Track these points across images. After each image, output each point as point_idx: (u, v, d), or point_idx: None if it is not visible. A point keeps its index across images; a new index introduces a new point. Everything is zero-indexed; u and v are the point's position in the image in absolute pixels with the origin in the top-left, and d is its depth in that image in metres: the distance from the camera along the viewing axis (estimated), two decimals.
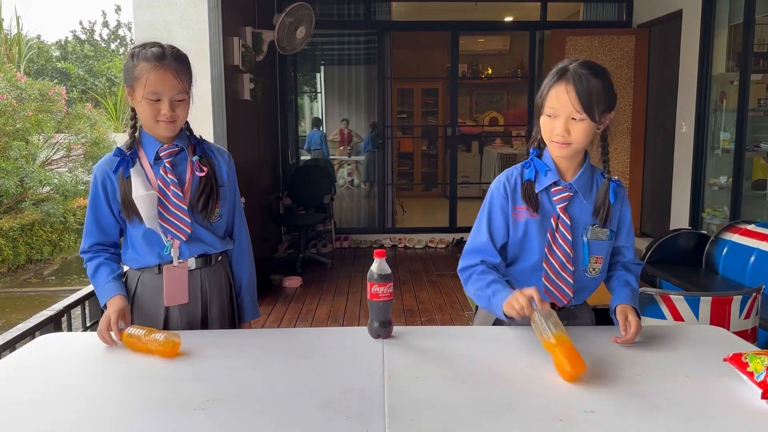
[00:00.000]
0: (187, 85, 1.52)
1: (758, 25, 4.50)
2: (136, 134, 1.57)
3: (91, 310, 2.14)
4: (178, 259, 1.58)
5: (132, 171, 1.53)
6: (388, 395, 1.16)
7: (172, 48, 1.53)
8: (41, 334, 1.72)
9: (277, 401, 1.15)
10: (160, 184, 1.54)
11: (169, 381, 1.24)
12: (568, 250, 1.45)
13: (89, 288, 2.13)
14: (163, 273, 1.57)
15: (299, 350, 1.42)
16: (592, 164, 1.52)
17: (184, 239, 1.56)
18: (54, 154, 8.14)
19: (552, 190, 1.47)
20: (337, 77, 7.22)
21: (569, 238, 1.45)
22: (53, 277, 6.89)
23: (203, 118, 3.82)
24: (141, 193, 1.52)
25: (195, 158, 1.59)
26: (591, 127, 1.39)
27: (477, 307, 1.66)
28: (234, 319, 1.73)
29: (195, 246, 1.59)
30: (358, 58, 6.89)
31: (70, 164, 8.13)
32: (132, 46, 1.55)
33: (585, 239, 1.48)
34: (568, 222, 1.46)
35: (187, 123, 1.60)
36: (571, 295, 1.49)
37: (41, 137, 7.90)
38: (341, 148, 8.05)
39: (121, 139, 10.07)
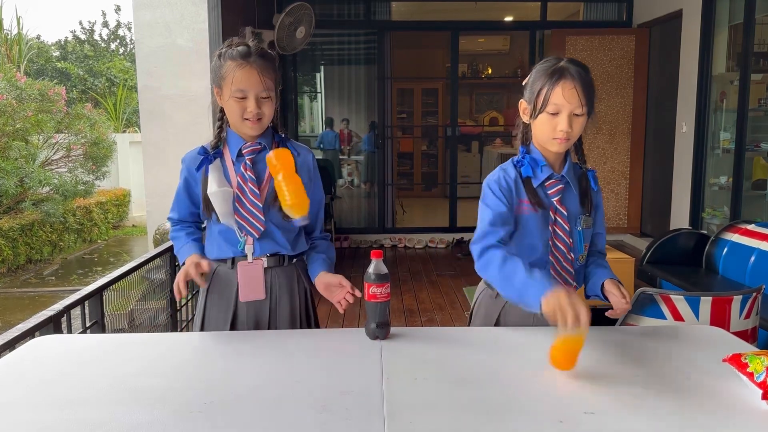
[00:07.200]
0: (272, 83, 1.56)
1: (758, 25, 4.50)
2: (222, 134, 1.63)
3: (91, 311, 2.13)
4: (253, 255, 1.62)
5: (210, 167, 1.59)
6: (387, 397, 1.16)
7: (258, 46, 1.56)
8: (41, 334, 1.71)
9: (275, 403, 1.15)
10: (239, 181, 1.59)
11: (167, 383, 1.24)
12: (567, 241, 1.50)
13: (89, 288, 2.12)
14: (237, 268, 1.62)
15: (297, 351, 1.42)
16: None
17: (257, 236, 1.59)
18: (54, 154, 8.13)
19: (546, 184, 1.51)
20: (337, 77, 7.21)
21: (567, 228, 1.50)
22: (53, 277, 6.88)
23: (203, 118, 3.83)
24: (214, 190, 1.57)
25: None
26: (585, 121, 1.47)
27: (474, 306, 1.67)
28: (304, 324, 1.72)
29: (267, 244, 1.62)
30: (358, 58, 6.89)
31: (70, 164, 8.12)
32: (219, 48, 1.60)
33: (579, 229, 1.53)
34: (565, 213, 1.50)
35: (273, 121, 1.63)
36: (574, 284, 1.52)
37: (41, 137, 7.88)
38: (342, 147, 8.05)
39: (121, 139, 10.10)
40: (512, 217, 1.48)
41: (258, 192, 1.58)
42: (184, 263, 1.59)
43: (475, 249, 1.47)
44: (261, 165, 1.61)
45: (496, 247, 1.43)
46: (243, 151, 1.60)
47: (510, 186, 1.49)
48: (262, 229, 1.59)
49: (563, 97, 1.42)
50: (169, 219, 1.73)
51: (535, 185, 1.50)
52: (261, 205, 1.58)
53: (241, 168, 1.59)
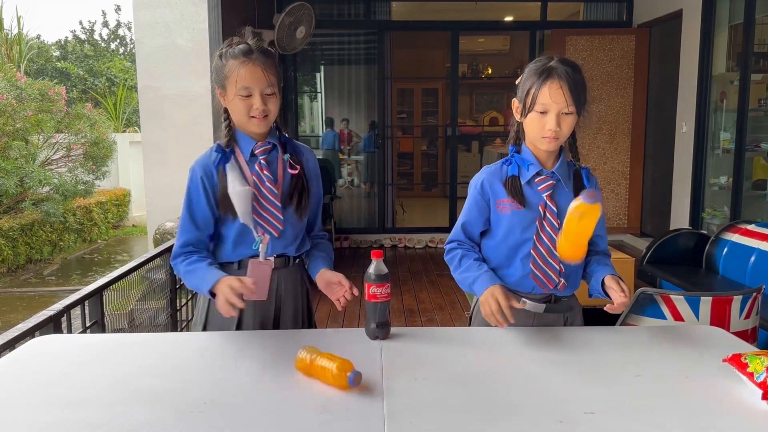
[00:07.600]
0: (275, 78, 1.55)
1: (758, 25, 4.50)
2: (232, 132, 1.61)
3: (91, 311, 2.13)
4: (266, 255, 1.60)
5: (228, 167, 1.57)
6: (387, 397, 1.16)
7: (258, 44, 1.56)
8: (41, 334, 1.71)
9: (276, 404, 1.15)
10: (256, 181, 1.58)
11: (167, 384, 1.24)
12: (555, 237, 1.50)
13: (89, 288, 2.12)
14: (248, 267, 1.58)
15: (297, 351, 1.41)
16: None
17: (276, 235, 1.59)
18: (54, 154, 8.13)
19: (536, 180, 1.53)
20: (337, 77, 7.21)
21: (556, 224, 1.51)
22: (53, 277, 6.88)
23: (203, 118, 3.82)
24: (237, 189, 1.55)
25: (286, 156, 1.62)
26: (575, 120, 1.48)
27: (474, 308, 1.67)
28: (305, 325, 1.72)
29: (277, 244, 1.62)
30: (358, 58, 6.89)
31: (70, 164, 8.12)
32: (219, 48, 1.59)
33: None
34: (555, 209, 1.51)
35: (276, 121, 1.62)
36: (557, 281, 1.53)
37: (41, 137, 7.88)
38: (342, 147, 8.06)
39: (121, 139, 10.11)
40: (483, 221, 1.59)
41: (276, 191, 1.59)
42: (212, 294, 1.48)
43: (445, 250, 1.70)
44: (273, 165, 1.62)
45: (453, 250, 1.65)
46: (256, 152, 1.59)
47: (486, 189, 1.56)
48: (281, 227, 1.59)
49: (550, 96, 1.44)
50: (180, 248, 1.59)
51: (523, 182, 1.53)
52: (279, 204, 1.58)
53: (257, 168, 1.59)
